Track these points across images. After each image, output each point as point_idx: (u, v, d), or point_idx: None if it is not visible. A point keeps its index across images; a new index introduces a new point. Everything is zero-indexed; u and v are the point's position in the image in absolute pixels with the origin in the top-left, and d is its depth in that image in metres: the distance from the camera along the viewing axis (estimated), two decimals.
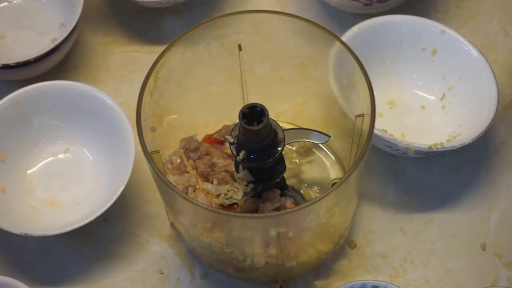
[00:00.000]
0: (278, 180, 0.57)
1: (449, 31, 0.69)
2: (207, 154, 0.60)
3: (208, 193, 0.57)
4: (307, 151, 0.66)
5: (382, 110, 0.69)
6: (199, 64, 0.59)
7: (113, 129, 0.65)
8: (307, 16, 0.55)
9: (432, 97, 0.70)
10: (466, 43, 0.68)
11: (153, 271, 0.63)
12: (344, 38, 0.66)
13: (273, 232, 0.52)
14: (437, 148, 0.62)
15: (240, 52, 0.58)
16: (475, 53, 0.68)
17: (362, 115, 0.54)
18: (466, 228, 0.65)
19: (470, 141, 0.63)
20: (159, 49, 0.55)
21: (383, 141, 0.63)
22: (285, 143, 0.54)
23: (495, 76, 0.66)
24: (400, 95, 0.71)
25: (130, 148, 0.62)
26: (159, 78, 0.55)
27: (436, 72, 0.70)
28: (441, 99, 0.70)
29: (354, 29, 0.68)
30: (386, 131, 0.64)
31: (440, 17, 0.76)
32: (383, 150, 0.66)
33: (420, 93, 0.71)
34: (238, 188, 0.56)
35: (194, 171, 0.58)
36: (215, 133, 0.64)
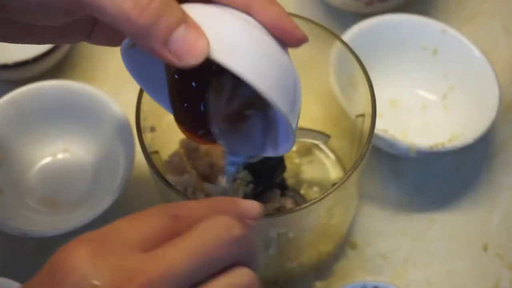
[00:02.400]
0: (278, 180, 0.57)
1: (450, 30, 0.68)
2: (207, 154, 0.59)
3: (208, 193, 0.56)
4: (307, 151, 0.66)
5: (383, 109, 0.69)
6: None
7: (112, 129, 0.65)
8: (308, 16, 0.55)
9: (433, 97, 0.70)
10: (468, 43, 0.68)
11: None
12: (344, 37, 0.66)
13: (273, 233, 0.52)
14: (438, 148, 0.62)
15: None
16: (476, 52, 0.67)
17: (363, 115, 0.54)
18: (468, 229, 0.65)
19: (472, 141, 0.62)
20: None
21: (384, 141, 0.63)
22: None
23: (496, 76, 0.66)
24: (401, 95, 0.70)
25: (130, 148, 0.62)
26: None
27: (437, 71, 0.70)
28: (442, 99, 0.70)
29: (355, 28, 0.68)
30: (387, 131, 0.64)
31: (441, 16, 0.76)
32: (384, 150, 0.66)
33: (421, 92, 0.71)
34: (238, 188, 0.55)
35: (194, 171, 0.58)
36: None
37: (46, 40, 0.46)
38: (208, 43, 0.38)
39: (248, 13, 0.41)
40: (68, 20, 0.42)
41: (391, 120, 0.68)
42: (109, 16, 0.38)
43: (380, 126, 0.65)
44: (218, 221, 0.34)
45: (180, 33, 0.37)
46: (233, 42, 0.39)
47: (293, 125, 0.42)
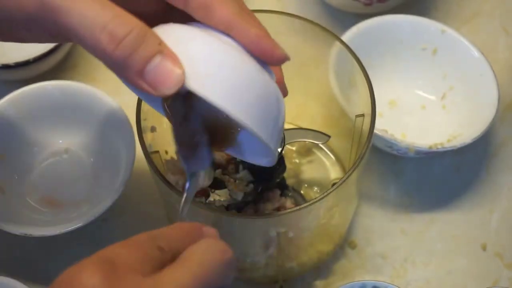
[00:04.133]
0: (278, 180, 0.57)
1: (449, 31, 0.69)
2: None
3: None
4: (307, 151, 0.66)
5: (382, 110, 0.69)
6: None
7: (113, 129, 0.65)
8: (307, 16, 0.55)
9: (432, 97, 0.70)
10: (467, 43, 0.68)
11: None
12: (344, 38, 0.66)
13: (273, 233, 0.52)
14: (437, 148, 0.62)
15: None
16: (475, 53, 0.67)
17: (363, 115, 0.54)
18: (467, 229, 0.65)
19: (471, 141, 0.63)
20: None
21: (384, 141, 0.63)
22: (285, 143, 0.54)
23: (495, 76, 0.66)
24: (401, 95, 0.71)
25: (130, 148, 0.62)
26: None
27: (436, 72, 0.70)
28: (442, 99, 0.70)
29: (354, 29, 0.68)
30: (387, 131, 0.64)
31: (440, 17, 0.76)
32: (384, 150, 0.66)
33: (421, 93, 0.71)
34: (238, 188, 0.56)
35: None
36: None
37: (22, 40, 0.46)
38: (183, 73, 0.39)
39: (228, 34, 0.42)
40: (52, 41, 0.44)
41: (390, 120, 0.69)
42: (88, 47, 0.39)
43: (380, 126, 0.65)
44: (213, 245, 0.37)
45: (155, 64, 0.38)
46: (209, 68, 0.39)
47: (272, 146, 0.42)
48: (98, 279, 0.33)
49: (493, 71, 0.66)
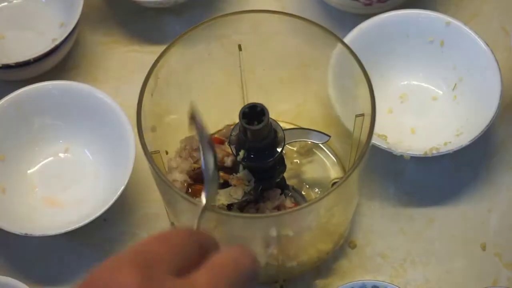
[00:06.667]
0: (278, 179, 0.57)
1: (454, 22, 0.68)
2: None
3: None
4: (307, 151, 0.66)
5: (393, 104, 0.69)
6: (199, 64, 0.59)
7: (113, 129, 0.65)
8: (307, 16, 0.55)
9: (443, 88, 0.70)
10: (472, 34, 0.68)
11: None
12: (350, 36, 0.66)
13: (273, 232, 0.52)
14: (432, 154, 0.62)
15: (240, 52, 0.58)
16: (481, 44, 0.67)
17: (363, 115, 0.54)
18: (466, 228, 0.65)
19: (468, 143, 0.63)
20: (159, 49, 0.55)
21: (382, 143, 0.63)
22: (285, 143, 0.54)
23: (499, 69, 0.65)
24: (411, 88, 0.70)
25: (130, 148, 0.62)
26: (159, 78, 0.54)
27: (446, 63, 0.69)
28: (453, 90, 0.70)
29: (359, 28, 0.68)
30: (386, 137, 0.63)
31: None
32: (384, 150, 0.66)
33: (431, 85, 0.70)
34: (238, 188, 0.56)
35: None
36: (216, 133, 0.64)
37: None
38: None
39: None
40: None
41: (401, 115, 0.68)
42: None
43: (390, 121, 0.65)
44: (245, 252, 0.38)
45: None
46: None
47: None
48: (136, 280, 0.32)
49: (497, 61, 0.66)
